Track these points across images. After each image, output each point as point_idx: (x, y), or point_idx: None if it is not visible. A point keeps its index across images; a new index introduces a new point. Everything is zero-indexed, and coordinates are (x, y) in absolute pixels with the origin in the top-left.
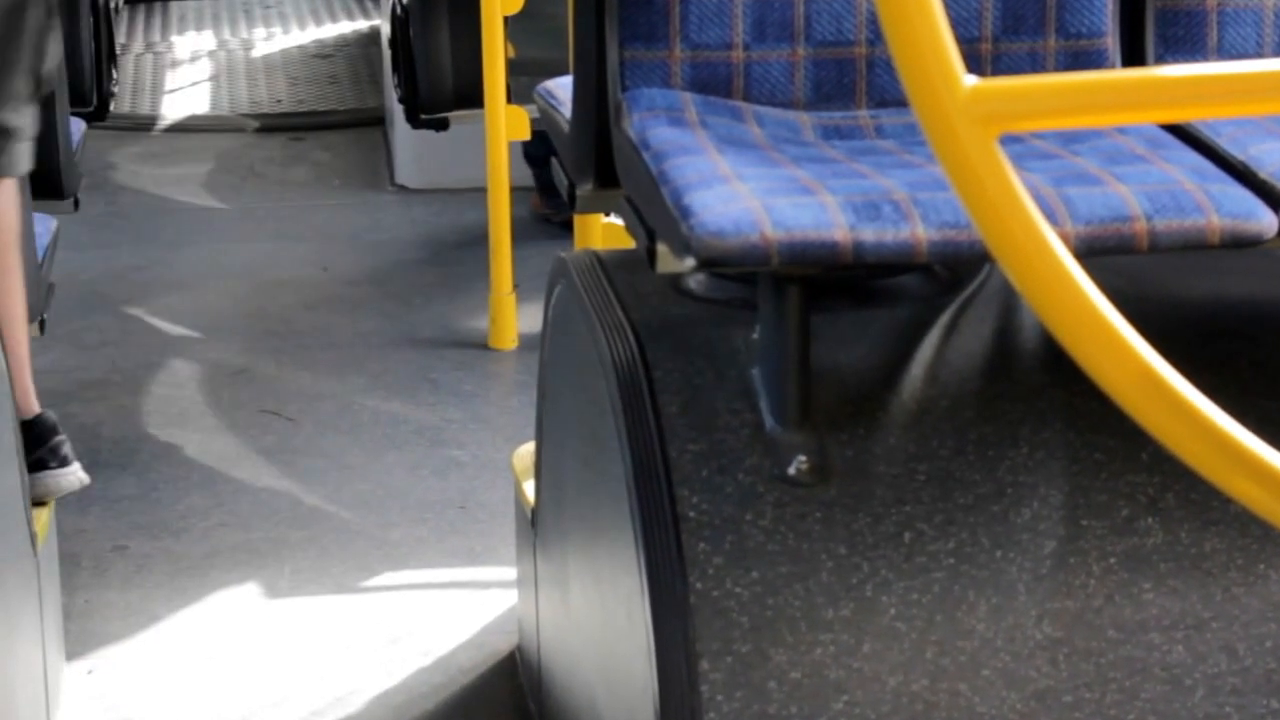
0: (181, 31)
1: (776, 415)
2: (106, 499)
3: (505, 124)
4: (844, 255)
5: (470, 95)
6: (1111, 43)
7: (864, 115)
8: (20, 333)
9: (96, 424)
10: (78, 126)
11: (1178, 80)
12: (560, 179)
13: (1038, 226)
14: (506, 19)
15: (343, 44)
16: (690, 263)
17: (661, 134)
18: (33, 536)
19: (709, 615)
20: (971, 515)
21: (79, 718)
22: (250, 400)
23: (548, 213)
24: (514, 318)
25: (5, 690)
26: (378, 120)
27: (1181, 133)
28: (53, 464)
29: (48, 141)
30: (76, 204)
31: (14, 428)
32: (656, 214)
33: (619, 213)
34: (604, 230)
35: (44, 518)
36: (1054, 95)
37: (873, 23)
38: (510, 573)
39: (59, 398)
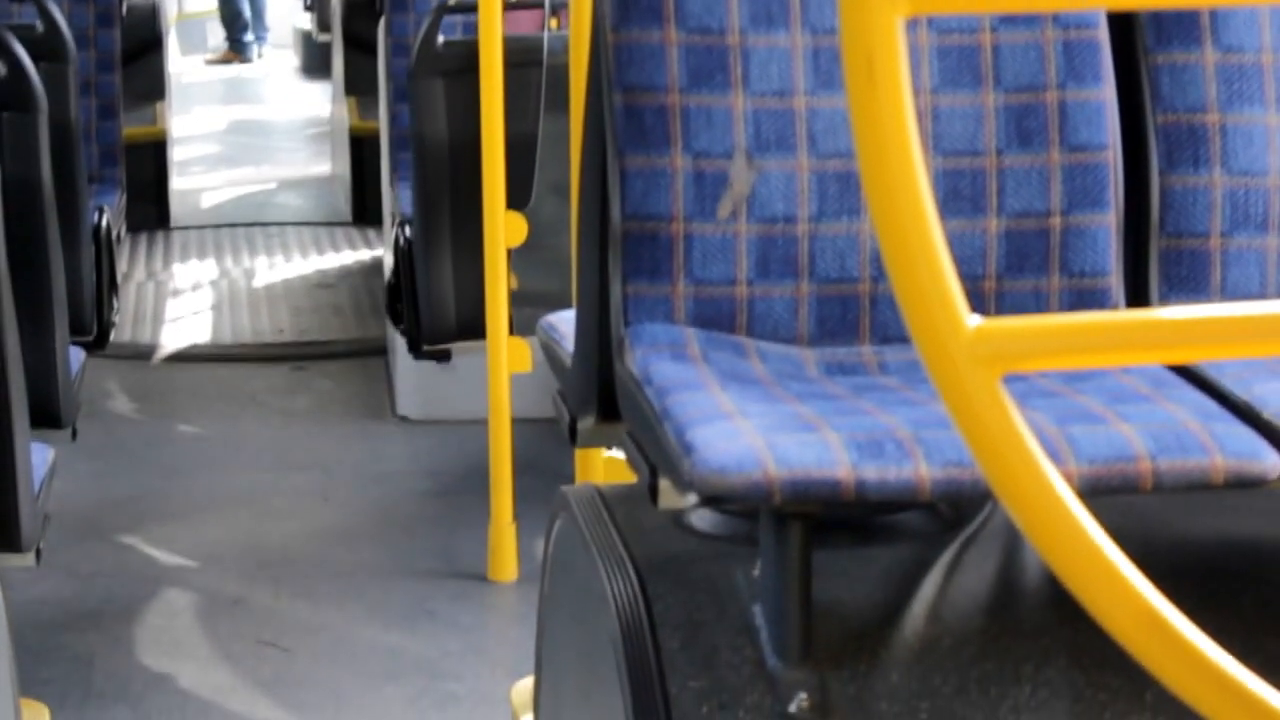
0: (184, 260)
1: (778, 652)
2: None
3: (507, 356)
4: (847, 493)
5: (473, 326)
6: (1115, 281)
7: (868, 351)
8: None
9: (90, 654)
10: (77, 356)
11: (1182, 322)
12: (562, 412)
13: (1040, 468)
14: (509, 250)
15: (345, 274)
16: (692, 499)
17: (664, 369)
18: None
19: None
20: None
21: None
22: (247, 631)
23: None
24: (514, 550)
25: None
26: (380, 350)
27: (1185, 372)
28: None
29: (46, 371)
30: (74, 434)
31: (9, 659)
32: (659, 449)
33: (621, 447)
34: (605, 464)
35: None
36: (1058, 336)
37: (876, 260)
38: None
39: (52, 628)
